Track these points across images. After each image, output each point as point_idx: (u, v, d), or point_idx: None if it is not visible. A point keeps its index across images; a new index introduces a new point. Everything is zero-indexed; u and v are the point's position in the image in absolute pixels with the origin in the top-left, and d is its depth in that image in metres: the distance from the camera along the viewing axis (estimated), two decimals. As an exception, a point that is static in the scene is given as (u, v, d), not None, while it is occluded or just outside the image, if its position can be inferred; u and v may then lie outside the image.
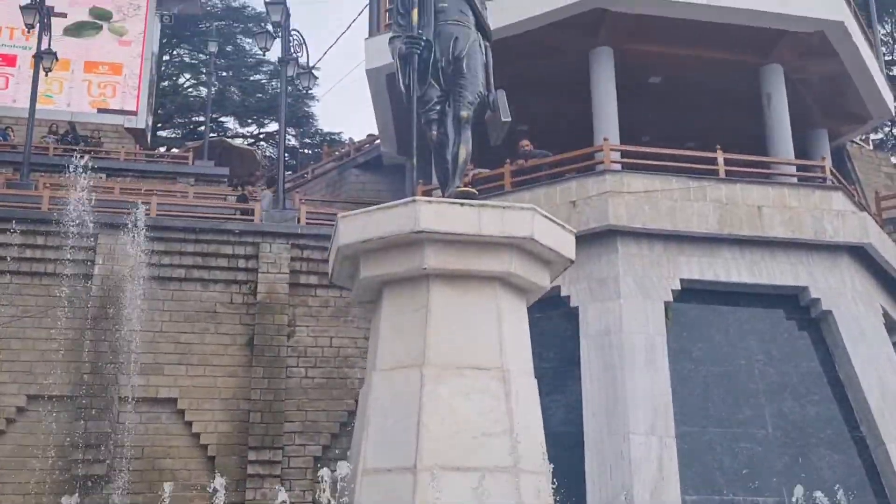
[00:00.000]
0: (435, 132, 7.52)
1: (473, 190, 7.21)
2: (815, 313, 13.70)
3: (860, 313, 13.79)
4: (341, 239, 6.83)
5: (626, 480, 11.84)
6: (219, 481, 7.04)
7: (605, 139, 14.15)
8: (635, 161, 14.05)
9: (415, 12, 7.45)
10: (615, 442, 12.24)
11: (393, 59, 7.64)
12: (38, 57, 17.33)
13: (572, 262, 7.22)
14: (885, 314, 14.51)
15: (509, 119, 7.63)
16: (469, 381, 6.55)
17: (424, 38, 7.40)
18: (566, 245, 7.09)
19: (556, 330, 13.13)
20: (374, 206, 6.80)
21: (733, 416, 13.05)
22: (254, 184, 21.15)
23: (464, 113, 7.42)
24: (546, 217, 6.89)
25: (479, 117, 7.69)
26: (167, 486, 8.70)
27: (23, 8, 17.42)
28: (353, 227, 6.80)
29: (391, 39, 7.70)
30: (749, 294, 13.60)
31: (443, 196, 7.31)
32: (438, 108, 7.53)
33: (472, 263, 6.67)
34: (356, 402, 11.77)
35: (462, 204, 6.66)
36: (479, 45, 7.72)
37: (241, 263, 13.99)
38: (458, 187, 7.22)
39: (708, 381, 13.22)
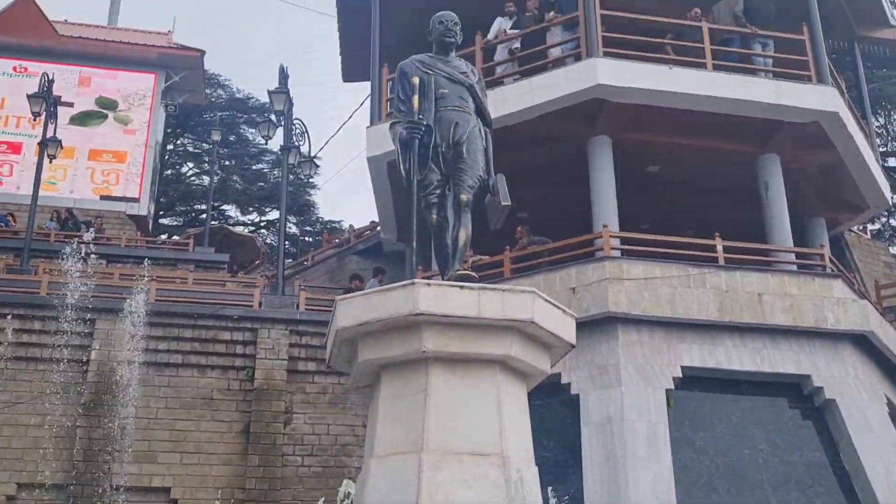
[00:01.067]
0: (435, 216, 7.52)
1: (473, 273, 7.18)
2: (818, 402, 13.55)
3: (864, 402, 13.63)
4: (339, 322, 6.76)
5: (629, 576, 11.53)
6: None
7: (605, 226, 14.20)
8: (634, 248, 14.08)
9: (415, 98, 7.52)
10: (617, 533, 11.97)
11: (394, 143, 7.68)
12: (43, 144, 17.56)
13: (573, 346, 7.13)
14: (889, 403, 14.34)
15: (509, 203, 7.64)
16: (468, 468, 6.40)
17: (425, 123, 7.46)
18: (567, 329, 7.02)
19: (556, 418, 12.97)
20: (373, 289, 6.76)
21: (737, 507, 12.79)
22: (253, 271, 21.20)
23: (464, 196, 7.43)
24: (546, 301, 6.83)
25: (478, 202, 7.71)
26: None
27: (30, 97, 17.72)
28: (352, 310, 6.74)
29: (392, 125, 7.77)
30: (751, 382, 13.47)
31: (442, 280, 7.27)
32: (438, 192, 7.55)
33: (472, 347, 6.58)
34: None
35: (461, 287, 6.61)
36: (480, 131, 7.78)
37: (239, 349, 13.93)
38: (457, 270, 7.19)
39: (711, 470, 12.99)
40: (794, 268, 14.84)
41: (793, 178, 16.18)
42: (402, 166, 7.63)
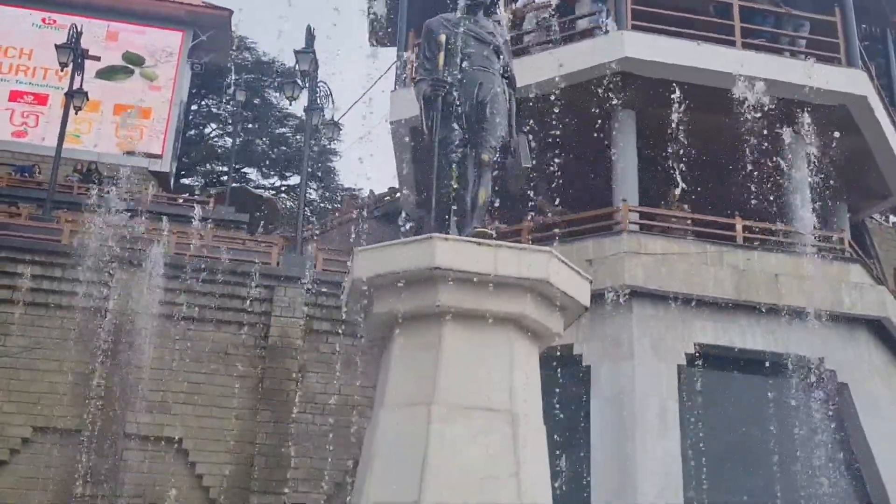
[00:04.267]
0: (456, 175, 7.55)
1: (491, 231, 7.21)
2: (830, 385, 13.51)
3: (876, 388, 13.61)
4: (356, 272, 6.82)
5: (632, 549, 11.61)
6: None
7: (624, 200, 14.18)
8: (653, 223, 14.05)
9: (441, 56, 7.53)
10: (623, 506, 12.04)
11: (417, 100, 7.71)
12: (70, 95, 17.64)
13: (587, 308, 7.18)
14: (902, 389, 14.31)
15: (530, 164, 7.67)
16: (477, 423, 6.47)
17: (449, 81, 7.48)
18: (582, 291, 7.06)
19: (566, 388, 12.99)
20: (391, 242, 6.81)
21: (744, 486, 12.82)
22: (272, 233, 21.29)
23: (485, 156, 7.46)
24: (563, 261, 6.87)
25: (500, 163, 7.72)
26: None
27: (58, 47, 17.79)
28: (369, 262, 6.80)
29: (416, 82, 7.79)
30: (764, 362, 13.45)
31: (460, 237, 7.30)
32: (460, 151, 7.57)
33: (487, 303, 6.63)
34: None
35: (479, 243, 6.66)
36: (504, 92, 7.79)
37: (256, 306, 14.01)
38: (476, 228, 7.22)
39: (720, 448, 13.01)
40: (814, 250, 14.77)
41: (817, 161, 16.06)
42: (424, 124, 7.67)
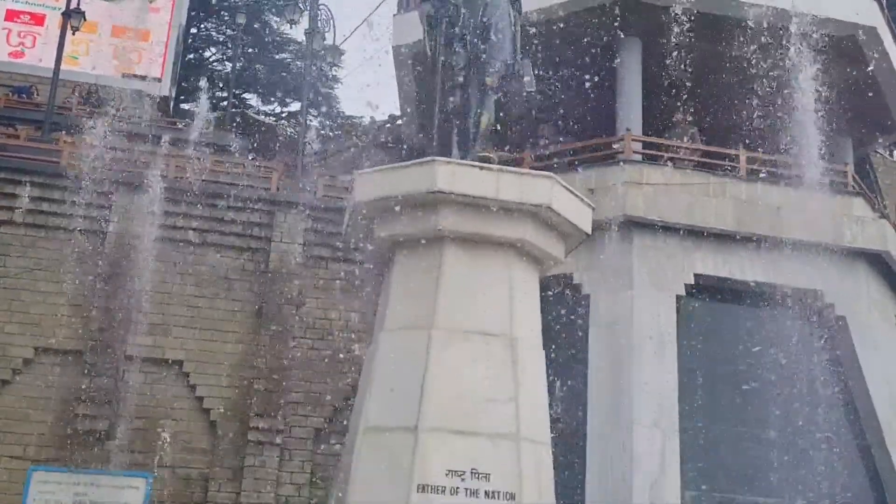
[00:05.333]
0: (458, 98, 7.46)
1: (493, 156, 7.14)
2: (828, 317, 13.56)
3: (874, 321, 13.66)
4: (357, 196, 6.79)
5: (626, 472, 11.78)
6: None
7: (628, 130, 14.05)
8: (655, 153, 13.95)
9: (446, -23, 7.39)
10: (618, 433, 12.18)
11: (421, 22, 7.59)
12: (67, 15, 17.37)
13: (588, 235, 7.16)
14: (900, 323, 14.38)
15: (534, 88, 7.57)
16: (476, 346, 6.50)
17: (454, 2, 7.34)
18: (583, 217, 7.03)
19: (565, 316, 13.04)
20: (392, 165, 6.75)
21: (738, 415, 12.97)
22: (273, 158, 21.13)
23: (488, 79, 7.36)
24: (565, 187, 6.83)
25: (503, 87, 7.62)
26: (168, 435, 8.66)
27: (55, -35, 17.46)
28: (370, 185, 6.76)
29: (421, 2, 7.65)
30: (762, 294, 13.46)
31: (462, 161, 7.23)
32: (463, 73, 7.48)
33: (487, 228, 6.60)
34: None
35: (481, 167, 6.61)
36: (509, 14, 7.66)
37: (256, 231, 13.99)
38: (478, 153, 7.16)
39: (715, 378, 13.13)
40: (817, 184, 14.68)
41: (823, 92, 15.87)
42: (428, 46, 7.56)
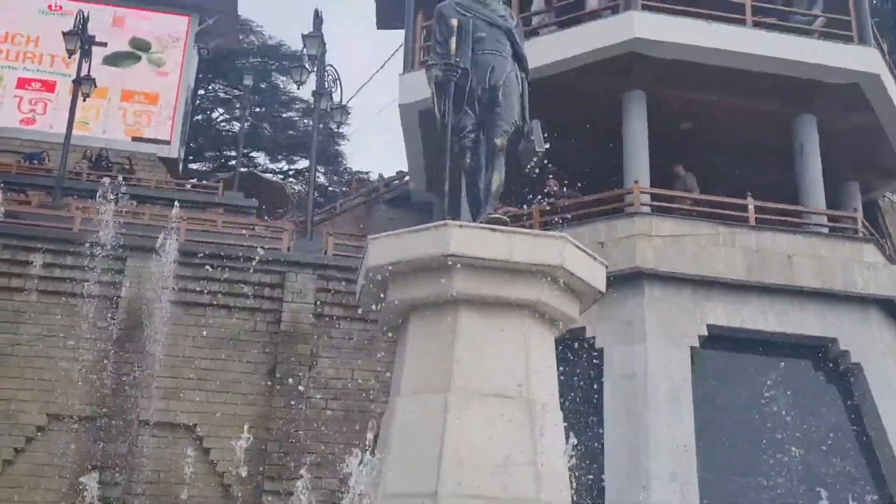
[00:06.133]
0: (468, 160, 7.51)
1: (505, 217, 7.17)
2: (843, 366, 13.51)
3: (890, 367, 13.58)
4: (370, 260, 6.79)
5: (646, 529, 11.64)
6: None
7: (636, 182, 14.12)
8: (665, 205, 14.01)
9: (453, 40, 7.46)
10: (635, 488, 12.06)
11: (429, 86, 7.65)
12: (77, 82, 17.62)
13: (602, 293, 7.14)
14: (916, 370, 14.26)
15: (543, 149, 7.62)
16: (494, 409, 6.45)
17: (462, 66, 7.42)
18: (596, 276, 7.02)
19: (579, 371, 13.00)
20: (405, 230, 6.77)
21: (757, 466, 12.83)
22: (282, 218, 21.28)
23: (498, 141, 7.41)
24: (577, 247, 6.83)
25: (512, 148, 7.68)
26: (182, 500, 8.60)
27: (65, 34, 17.76)
28: (382, 249, 6.77)
29: (428, 67, 7.72)
30: (777, 343, 13.44)
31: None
32: (472, 136, 7.53)
33: (502, 290, 6.59)
34: (376, 437, 11.70)
35: (493, 229, 6.61)
36: (516, 76, 7.73)
37: (267, 292, 14.01)
38: (489, 214, 7.19)
39: (732, 429, 13.02)
40: (826, 231, 14.71)
41: (828, 140, 15.97)
42: (437, 109, 7.61)
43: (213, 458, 13.05)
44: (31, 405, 12.79)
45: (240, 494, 11.43)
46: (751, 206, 13.93)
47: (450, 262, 6.47)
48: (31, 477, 12.51)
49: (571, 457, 6.90)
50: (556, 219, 14.02)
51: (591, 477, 11.95)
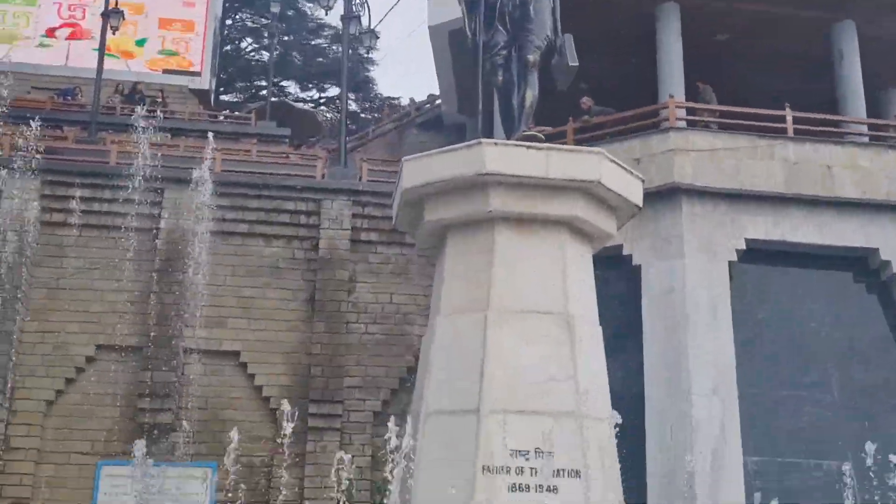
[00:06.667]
0: (501, 77, 7.44)
1: (540, 134, 7.11)
2: (884, 276, 13.39)
3: (932, 276, 13.43)
4: (405, 182, 6.80)
5: (687, 441, 11.75)
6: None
7: (671, 96, 13.91)
8: (700, 119, 13.80)
9: (482, -44, 7.35)
10: (677, 403, 12.16)
11: (459, 4, 7.55)
12: (106, 15, 17.56)
13: (639, 208, 7.11)
14: (958, 278, 14.10)
15: (577, 64, 7.51)
16: (533, 326, 6.51)
17: (492, -19, 7.30)
18: (633, 191, 6.98)
19: (617, 289, 13.00)
20: (439, 149, 6.75)
21: (798, 379, 12.87)
22: (314, 146, 21.27)
23: (530, 57, 7.31)
24: (614, 162, 6.79)
25: (545, 63, 7.57)
26: (234, 434, 8.79)
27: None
28: (418, 170, 6.77)
29: (458, -16, 7.61)
30: (817, 255, 13.34)
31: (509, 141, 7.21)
32: (504, 53, 7.44)
33: (538, 207, 6.59)
34: (416, 358, 11.85)
35: (529, 146, 6.58)
36: (548, -10, 7.59)
37: (303, 220, 14.07)
38: (524, 131, 7.13)
39: (773, 342, 13.04)
40: (867, 140, 14.44)
41: (868, 47, 15.56)
42: (467, 28, 7.54)
43: (257, 383, 13.29)
44: (80, 337, 13.06)
45: (286, 418, 11.61)
46: (789, 117, 13.69)
47: (486, 181, 6.47)
48: (83, 406, 12.83)
49: (613, 375, 6.96)
50: (591, 136, 13.88)
51: (633, 392, 12.08)
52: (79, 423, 12.75)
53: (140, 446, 11.51)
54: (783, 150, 13.38)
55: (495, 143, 6.56)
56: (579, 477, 6.12)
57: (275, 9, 25.69)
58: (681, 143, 13.16)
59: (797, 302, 13.25)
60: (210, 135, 14.62)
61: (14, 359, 12.62)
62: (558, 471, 6.07)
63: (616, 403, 6.99)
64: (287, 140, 20.59)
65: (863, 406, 12.84)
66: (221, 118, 22.12)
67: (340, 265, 13.87)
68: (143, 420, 12.66)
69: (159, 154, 13.69)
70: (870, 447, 8.71)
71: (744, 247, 13.00)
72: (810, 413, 12.71)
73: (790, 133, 13.62)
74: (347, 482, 11.83)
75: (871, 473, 9.48)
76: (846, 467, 10.65)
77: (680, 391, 12.12)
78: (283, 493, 12.59)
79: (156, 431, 12.56)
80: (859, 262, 13.50)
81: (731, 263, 12.91)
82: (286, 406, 9.81)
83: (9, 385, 12.47)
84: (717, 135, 13.39)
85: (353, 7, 17.44)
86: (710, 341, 12.38)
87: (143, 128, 13.81)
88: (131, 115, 14.98)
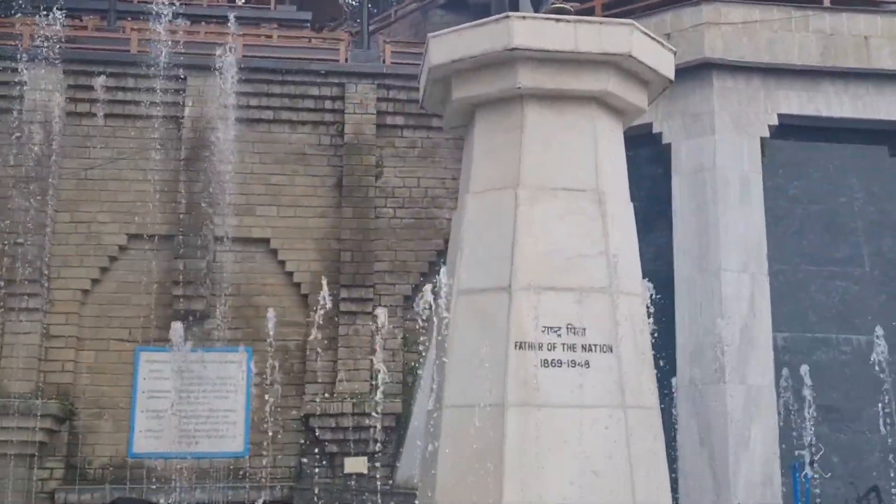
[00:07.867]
0: (527, -52, 7.21)
1: (569, 6, 6.91)
2: (923, 150, 13.15)
3: (972, 148, 13.18)
4: (432, 59, 6.67)
5: (716, 317, 11.81)
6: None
7: (703, -34, 13.42)
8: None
9: None
10: (706, 279, 12.18)
11: None
12: None
13: (671, 82, 6.96)
14: None
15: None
16: (564, 203, 6.47)
17: None
18: (665, 63, 6.82)
19: (646, 168, 12.88)
20: (466, 25, 6.60)
21: (829, 255, 12.82)
22: (336, 29, 20.87)
23: (558, -75, 7.06)
24: (645, 33, 6.61)
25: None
26: (271, 313, 8.90)
27: None
28: (444, 47, 6.63)
29: None
30: (851, 130, 13.10)
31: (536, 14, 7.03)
32: (531, -80, 7.19)
33: (568, 82, 6.47)
34: (445, 242, 11.89)
35: (557, 20, 6.41)
36: None
37: (328, 105, 13.92)
38: (552, 4, 6.95)
39: (804, 218, 12.94)
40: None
41: None
42: None
43: (288, 269, 13.41)
44: (111, 226, 13.17)
45: (318, 302, 11.74)
46: (825, -14, 13.22)
47: (514, 56, 6.34)
48: (119, 294, 13.05)
49: (643, 252, 6.93)
50: (620, 11, 13.49)
51: (663, 270, 12.10)
52: (115, 311, 12.99)
53: (178, 330, 11.75)
54: (818, 20, 12.98)
55: (523, 17, 6.40)
56: (611, 352, 6.18)
57: None
58: (713, 16, 12.80)
59: (830, 177, 13.08)
60: (231, 18, 14.35)
61: (48, 249, 12.80)
62: (590, 346, 6.13)
63: (647, 280, 6.99)
64: (308, 24, 20.20)
65: (894, 280, 12.80)
66: (241, 3, 21.68)
67: (367, 150, 13.79)
68: (177, 307, 12.87)
69: (181, 42, 13.51)
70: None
71: (776, 122, 12.77)
72: (841, 288, 12.70)
73: (826, 3, 13.19)
74: (380, 364, 12.07)
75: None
76: (877, 341, 10.66)
77: (710, 267, 12.12)
78: (318, 376, 12.89)
79: (190, 318, 12.78)
80: (895, 136, 13.24)
81: (763, 140, 12.71)
82: (324, 289, 9.88)
83: (45, 275, 12.68)
84: (750, 7, 12.98)
85: None
86: (740, 218, 12.30)
87: (163, 14, 13.57)
88: (150, 3, 14.72)
